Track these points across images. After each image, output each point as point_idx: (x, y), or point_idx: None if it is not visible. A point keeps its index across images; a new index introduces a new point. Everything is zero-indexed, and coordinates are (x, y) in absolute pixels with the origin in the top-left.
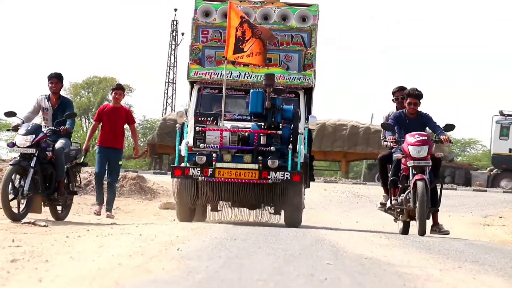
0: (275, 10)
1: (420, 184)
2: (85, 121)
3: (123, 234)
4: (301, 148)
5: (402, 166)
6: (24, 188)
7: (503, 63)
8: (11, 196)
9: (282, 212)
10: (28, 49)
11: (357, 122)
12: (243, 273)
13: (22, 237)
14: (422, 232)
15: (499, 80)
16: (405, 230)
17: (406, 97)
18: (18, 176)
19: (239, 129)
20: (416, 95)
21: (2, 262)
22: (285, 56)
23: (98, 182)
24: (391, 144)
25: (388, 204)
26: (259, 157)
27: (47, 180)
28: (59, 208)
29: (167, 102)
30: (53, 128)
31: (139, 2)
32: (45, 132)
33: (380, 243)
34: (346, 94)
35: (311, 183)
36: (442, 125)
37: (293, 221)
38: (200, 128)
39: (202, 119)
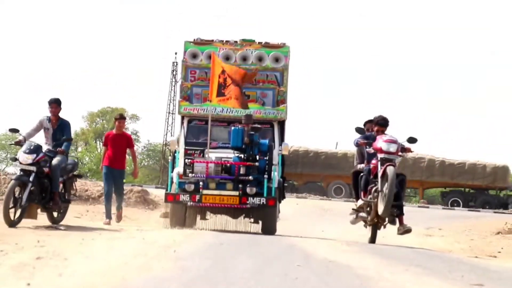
0: (252, 52)
1: (390, 168)
2: (99, 143)
3: (129, 238)
4: (275, 175)
5: (371, 165)
6: (23, 200)
7: None
8: (11, 205)
9: (260, 221)
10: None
11: (432, 156)
12: (228, 272)
13: (45, 239)
14: (385, 214)
15: None
16: (372, 239)
17: (374, 125)
18: (18, 189)
19: (222, 160)
20: (382, 124)
21: (29, 259)
22: (261, 93)
23: (107, 200)
24: (361, 144)
25: (359, 203)
26: (239, 185)
27: (43, 191)
28: (55, 213)
29: (167, 129)
30: (51, 149)
31: (148, 45)
32: (44, 152)
33: (342, 249)
34: (312, 123)
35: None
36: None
37: (269, 230)
38: (189, 160)
39: (191, 151)
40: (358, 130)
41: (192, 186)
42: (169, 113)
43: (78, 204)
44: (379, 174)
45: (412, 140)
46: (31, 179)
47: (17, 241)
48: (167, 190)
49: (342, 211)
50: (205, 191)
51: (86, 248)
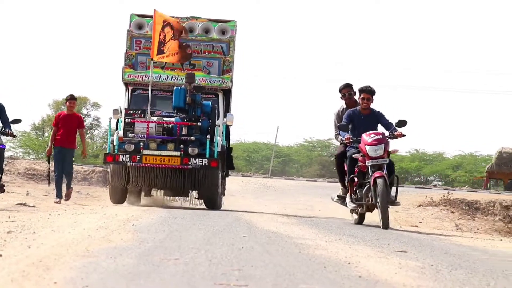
0: (198, 25)
1: (380, 181)
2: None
3: (92, 213)
4: (218, 139)
5: (360, 163)
6: None
7: None
8: None
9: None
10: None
11: None
12: (181, 243)
13: (16, 215)
14: (385, 226)
15: None
16: (360, 221)
17: (360, 93)
18: None
19: (164, 121)
20: (369, 91)
21: (1, 233)
22: (207, 63)
23: (58, 182)
24: (347, 142)
25: (348, 200)
26: (181, 146)
27: None
28: None
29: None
30: None
31: (108, 33)
32: None
33: (282, 222)
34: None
35: (236, 177)
36: (394, 121)
37: (213, 204)
38: (129, 119)
39: (131, 112)
40: (342, 127)
41: (132, 146)
42: None
43: (45, 184)
44: (371, 182)
45: (401, 123)
46: None
47: None
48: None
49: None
50: (145, 151)
51: (52, 223)
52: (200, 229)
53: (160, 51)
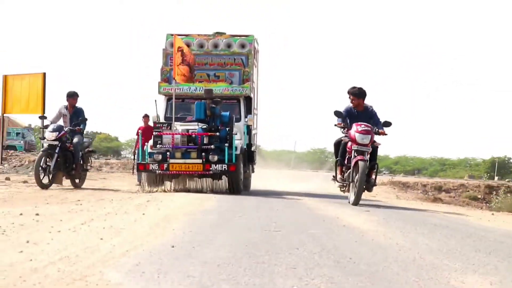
0: (222, 40)
1: (361, 164)
2: None
3: (179, 195)
4: (237, 142)
5: (348, 149)
6: (51, 167)
7: None
8: (42, 173)
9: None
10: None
11: None
12: (242, 207)
13: (153, 196)
14: (356, 202)
15: None
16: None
17: (348, 94)
18: (46, 159)
19: (187, 132)
20: (355, 94)
21: (144, 202)
22: (229, 74)
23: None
24: (340, 128)
25: (338, 180)
26: (203, 153)
27: (67, 162)
28: (76, 180)
29: None
30: (71, 127)
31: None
32: (65, 130)
33: (301, 195)
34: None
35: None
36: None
37: (235, 190)
38: (157, 132)
39: (159, 125)
40: (336, 113)
41: (160, 156)
42: None
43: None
44: (352, 164)
45: (386, 124)
46: (56, 151)
47: (123, 196)
48: (138, 160)
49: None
50: (171, 160)
51: (168, 198)
52: (251, 200)
53: (177, 71)
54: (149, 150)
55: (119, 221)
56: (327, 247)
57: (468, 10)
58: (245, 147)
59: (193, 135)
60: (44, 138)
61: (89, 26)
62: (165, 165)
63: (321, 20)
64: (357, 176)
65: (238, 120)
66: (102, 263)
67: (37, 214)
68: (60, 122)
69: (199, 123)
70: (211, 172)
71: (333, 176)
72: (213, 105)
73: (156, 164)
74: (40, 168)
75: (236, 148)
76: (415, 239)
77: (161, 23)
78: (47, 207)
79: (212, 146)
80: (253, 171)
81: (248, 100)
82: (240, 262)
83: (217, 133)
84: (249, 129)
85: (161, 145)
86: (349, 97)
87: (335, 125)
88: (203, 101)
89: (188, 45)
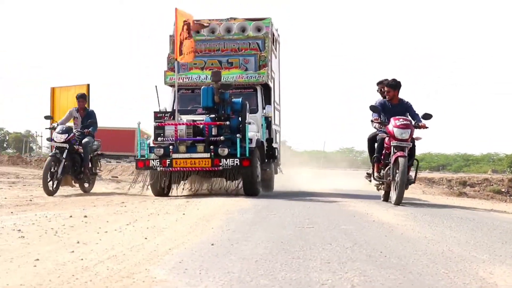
0: (236, 24)
1: (401, 160)
2: None
3: (212, 198)
4: (252, 135)
5: (385, 145)
6: (58, 173)
7: None
8: (49, 179)
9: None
10: None
11: None
12: (276, 206)
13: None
14: (398, 202)
15: None
16: (385, 198)
17: (384, 87)
18: (53, 164)
19: (192, 122)
20: (391, 85)
21: (184, 202)
22: (244, 60)
23: None
24: (377, 124)
25: (373, 177)
26: (211, 147)
27: (75, 165)
28: (86, 184)
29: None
30: (80, 130)
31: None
32: (74, 132)
33: (331, 193)
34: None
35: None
36: (421, 113)
37: (251, 192)
38: (158, 123)
39: (161, 115)
40: (372, 108)
41: (162, 151)
42: None
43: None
44: (392, 160)
45: (427, 116)
46: (64, 155)
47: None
48: (137, 156)
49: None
50: (175, 155)
51: (205, 199)
52: (284, 199)
53: (181, 52)
54: (151, 144)
55: (161, 221)
56: (358, 242)
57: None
58: (263, 140)
59: (200, 125)
60: (52, 139)
61: (87, 25)
62: (168, 161)
63: (345, 16)
64: (397, 174)
65: (255, 111)
66: (148, 261)
67: (85, 216)
68: (70, 124)
69: (207, 112)
70: (220, 168)
71: (367, 174)
72: (222, 90)
73: (158, 160)
74: (48, 173)
75: (251, 140)
76: (443, 232)
77: (165, 15)
78: (94, 209)
79: (222, 138)
80: (276, 172)
81: (267, 90)
82: (276, 258)
83: (227, 123)
84: (268, 122)
85: (163, 138)
86: (381, 90)
87: (372, 120)
88: (210, 86)
89: (198, 31)
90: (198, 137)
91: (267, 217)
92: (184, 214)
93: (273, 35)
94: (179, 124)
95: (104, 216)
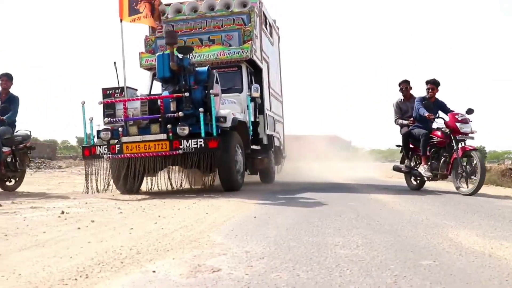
0: (218, 1)
1: (475, 154)
2: None
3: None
4: (228, 113)
5: (437, 139)
6: None
7: None
8: None
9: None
10: None
11: None
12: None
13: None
14: (475, 192)
15: None
16: (419, 186)
17: (426, 84)
18: None
19: (151, 96)
20: (433, 82)
21: (179, 198)
22: (226, 36)
23: None
24: (430, 118)
25: (424, 169)
26: (168, 126)
27: None
28: (9, 183)
29: None
30: None
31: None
32: None
33: (366, 185)
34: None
35: None
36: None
37: (228, 185)
38: (108, 100)
39: (110, 92)
40: (426, 106)
41: (109, 134)
42: None
43: None
44: (459, 154)
45: (470, 111)
46: None
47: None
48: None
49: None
50: (125, 139)
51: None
52: (307, 183)
53: (134, 11)
54: (101, 127)
55: (216, 201)
56: (361, 214)
57: None
58: (244, 121)
59: (154, 99)
60: None
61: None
62: (117, 147)
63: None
64: (479, 169)
65: (240, 91)
66: (209, 229)
67: (163, 199)
68: None
69: (163, 84)
70: (180, 151)
71: (405, 166)
72: (182, 56)
73: (105, 147)
74: None
75: (224, 118)
76: (421, 206)
77: None
78: (169, 195)
79: (180, 114)
80: (278, 163)
81: (258, 72)
82: (301, 226)
83: (187, 94)
84: (257, 105)
85: (114, 119)
86: (402, 89)
87: (425, 116)
88: (166, 52)
89: (179, 11)
90: (152, 116)
91: (294, 198)
92: (229, 200)
93: (264, 15)
94: (129, 100)
95: (177, 200)
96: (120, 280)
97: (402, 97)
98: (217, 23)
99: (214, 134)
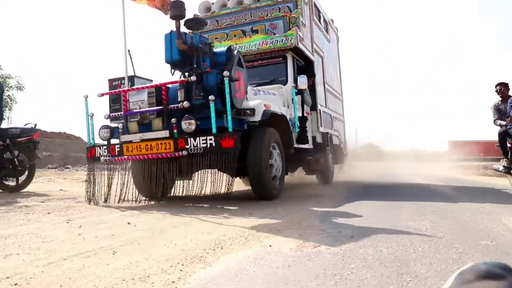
0: None
1: None
2: None
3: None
4: (258, 104)
5: None
6: None
7: None
8: None
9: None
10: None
11: None
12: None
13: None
14: None
15: None
16: None
17: (496, 86)
18: None
19: (151, 85)
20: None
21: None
22: (270, 25)
23: None
24: (506, 122)
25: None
26: (173, 120)
27: None
28: (9, 182)
29: None
30: None
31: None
32: None
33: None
34: None
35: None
36: None
37: (259, 192)
38: (103, 92)
39: (116, 83)
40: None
41: (108, 132)
42: None
43: None
44: None
45: None
46: None
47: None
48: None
49: None
50: (124, 137)
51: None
52: (379, 184)
53: None
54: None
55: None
56: (427, 203)
57: None
58: (284, 115)
59: (157, 87)
60: None
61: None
62: (117, 148)
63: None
64: None
65: (284, 82)
66: (308, 215)
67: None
68: None
69: (173, 69)
70: (185, 152)
71: (504, 167)
72: (191, 33)
73: (105, 148)
74: None
75: (252, 111)
76: (478, 198)
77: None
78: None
79: (185, 104)
80: (337, 162)
81: (309, 64)
82: (379, 214)
83: (193, 78)
84: (303, 98)
85: (114, 115)
86: (497, 91)
87: (500, 124)
88: (173, 31)
89: (224, 5)
90: (151, 109)
91: (374, 190)
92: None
93: (316, 7)
94: (129, 90)
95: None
96: (246, 252)
97: (500, 99)
98: (261, 13)
99: (230, 129)
